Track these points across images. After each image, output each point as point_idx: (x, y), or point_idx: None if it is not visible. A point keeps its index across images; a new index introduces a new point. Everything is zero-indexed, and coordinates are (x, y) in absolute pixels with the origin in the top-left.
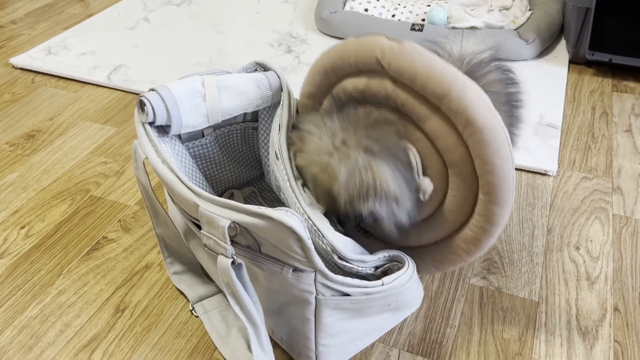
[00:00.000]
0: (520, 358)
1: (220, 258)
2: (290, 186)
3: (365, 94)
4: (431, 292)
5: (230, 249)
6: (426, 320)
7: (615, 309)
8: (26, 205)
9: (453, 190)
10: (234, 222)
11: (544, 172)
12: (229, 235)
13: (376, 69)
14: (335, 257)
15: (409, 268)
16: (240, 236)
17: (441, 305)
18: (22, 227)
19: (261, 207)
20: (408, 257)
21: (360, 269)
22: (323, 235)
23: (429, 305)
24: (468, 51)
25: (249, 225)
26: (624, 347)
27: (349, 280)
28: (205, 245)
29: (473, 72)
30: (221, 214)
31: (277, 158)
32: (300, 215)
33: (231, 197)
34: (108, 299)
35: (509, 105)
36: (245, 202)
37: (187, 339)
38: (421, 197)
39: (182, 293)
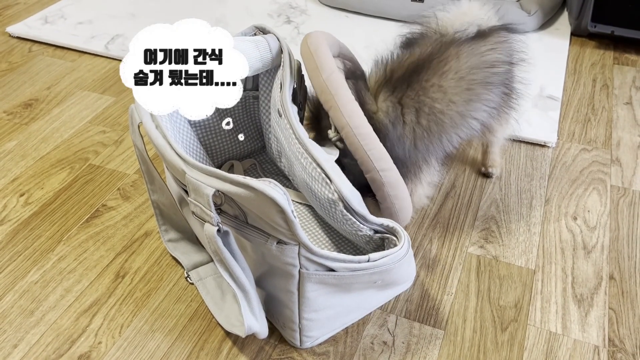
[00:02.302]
0: (516, 324)
1: (207, 226)
2: (297, 137)
3: None
4: (428, 260)
5: (215, 217)
6: (423, 287)
7: (611, 277)
8: (25, 173)
9: None
10: (218, 190)
11: (543, 144)
12: (215, 204)
13: None
14: (341, 205)
15: (402, 248)
16: (226, 205)
17: (438, 273)
18: (22, 195)
19: (246, 177)
20: (406, 235)
21: (361, 225)
22: (331, 180)
23: (427, 272)
24: (449, 28)
25: (233, 194)
26: (619, 314)
27: (333, 254)
28: (192, 212)
29: (434, 51)
30: (206, 181)
31: (280, 115)
32: (283, 188)
33: (231, 168)
34: (108, 266)
35: (485, 85)
36: (245, 174)
37: (187, 304)
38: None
39: (176, 260)
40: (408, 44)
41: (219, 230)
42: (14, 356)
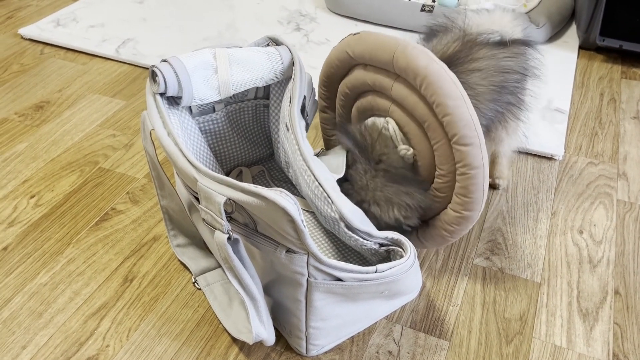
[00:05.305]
0: (521, 337)
1: (217, 233)
2: (301, 154)
3: (358, 87)
4: (434, 270)
5: (226, 225)
6: (429, 298)
7: (616, 292)
8: (35, 175)
9: (434, 144)
10: (229, 198)
11: (550, 156)
12: (226, 212)
13: (351, 61)
14: (342, 225)
15: (409, 259)
16: (237, 213)
17: (444, 284)
18: (32, 197)
19: (258, 186)
20: (412, 247)
21: (365, 241)
22: (332, 202)
23: (432, 283)
24: (473, 29)
25: (244, 203)
26: (624, 329)
27: (342, 264)
28: (203, 219)
29: (464, 49)
30: (218, 190)
31: (288, 129)
32: (294, 197)
33: (240, 174)
34: (116, 269)
35: (500, 89)
36: (254, 180)
37: (194, 310)
38: (407, 161)
39: (184, 266)
40: (430, 34)
41: (229, 238)
42: (22, 357)
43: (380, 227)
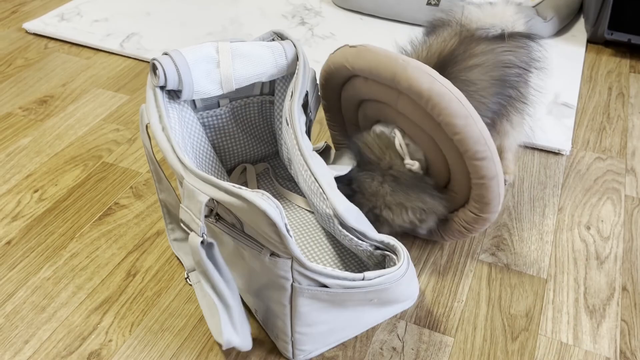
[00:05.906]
0: (527, 333)
1: (192, 235)
2: (299, 149)
3: (360, 95)
4: (439, 266)
5: (202, 227)
6: (434, 294)
7: (624, 288)
8: (39, 170)
9: (445, 154)
10: (212, 198)
11: (557, 151)
12: (211, 210)
13: (350, 73)
14: (336, 222)
15: (400, 268)
16: (224, 213)
17: (449, 280)
18: (36, 191)
19: (241, 187)
20: (406, 255)
21: (360, 242)
22: (327, 197)
23: (437, 279)
24: (472, 24)
25: (227, 204)
26: (631, 326)
27: (327, 270)
28: (181, 219)
29: (461, 45)
30: (201, 188)
31: (287, 124)
32: (277, 201)
33: (244, 171)
34: (119, 264)
35: (501, 83)
36: (258, 177)
37: (196, 305)
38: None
39: (179, 260)
40: (431, 30)
41: (202, 242)
42: (25, 352)
43: (394, 232)
